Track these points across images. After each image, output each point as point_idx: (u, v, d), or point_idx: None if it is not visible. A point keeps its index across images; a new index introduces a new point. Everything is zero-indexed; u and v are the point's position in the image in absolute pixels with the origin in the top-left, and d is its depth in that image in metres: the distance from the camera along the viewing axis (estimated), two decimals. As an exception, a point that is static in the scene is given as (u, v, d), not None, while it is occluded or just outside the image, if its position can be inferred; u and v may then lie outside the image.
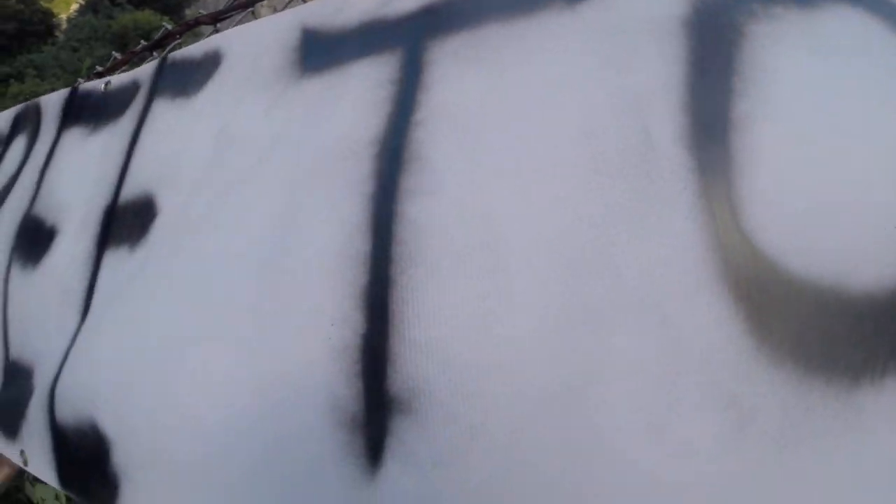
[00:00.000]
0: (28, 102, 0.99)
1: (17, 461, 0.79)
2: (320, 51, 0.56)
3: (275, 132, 0.54)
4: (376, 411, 0.40)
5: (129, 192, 0.68)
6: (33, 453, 0.73)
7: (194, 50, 0.72)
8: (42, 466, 0.71)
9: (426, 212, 0.39)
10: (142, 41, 0.98)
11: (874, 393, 0.38)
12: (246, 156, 0.55)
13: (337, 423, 0.41)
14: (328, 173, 0.45)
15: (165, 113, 0.71)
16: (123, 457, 0.56)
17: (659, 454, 0.37)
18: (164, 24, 1.02)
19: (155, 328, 0.51)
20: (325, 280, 0.42)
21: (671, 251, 0.38)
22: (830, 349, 0.38)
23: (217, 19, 0.86)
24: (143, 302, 0.55)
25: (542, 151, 0.38)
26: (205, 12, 0.97)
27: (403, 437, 0.40)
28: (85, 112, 0.85)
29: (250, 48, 0.63)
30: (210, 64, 0.68)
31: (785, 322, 0.38)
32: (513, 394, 0.38)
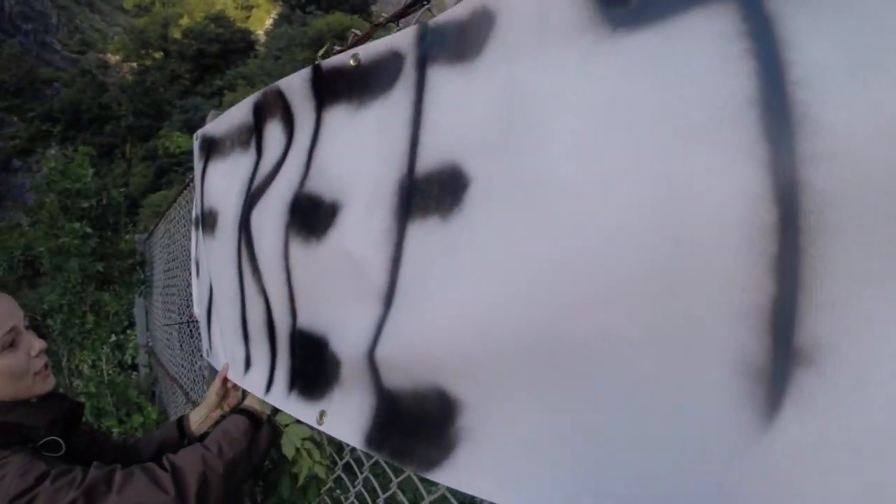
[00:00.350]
0: (263, 90, 1.07)
1: (311, 420, 0.87)
2: (628, 6, 0.55)
3: (601, 89, 0.55)
4: (781, 363, 0.47)
5: (428, 162, 0.72)
6: (340, 414, 0.81)
7: (459, 11, 0.71)
8: (345, 428, 0.78)
9: (830, 179, 0.44)
10: (335, 43, 1.02)
11: None
12: (573, 116, 0.56)
13: (741, 374, 0.48)
14: (711, 136, 0.48)
15: (447, 79, 0.72)
16: (473, 420, 0.63)
17: None
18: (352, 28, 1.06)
19: (516, 301, 0.58)
20: (734, 251, 0.47)
21: None
22: None
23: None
24: (486, 274, 0.61)
25: None
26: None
27: (803, 388, 0.46)
28: (343, 88, 0.89)
29: (531, 5, 0.63)
30: (483, 24, 0.67)
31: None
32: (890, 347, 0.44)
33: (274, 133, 1.08)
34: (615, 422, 0.54)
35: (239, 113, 1.23)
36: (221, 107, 1.63)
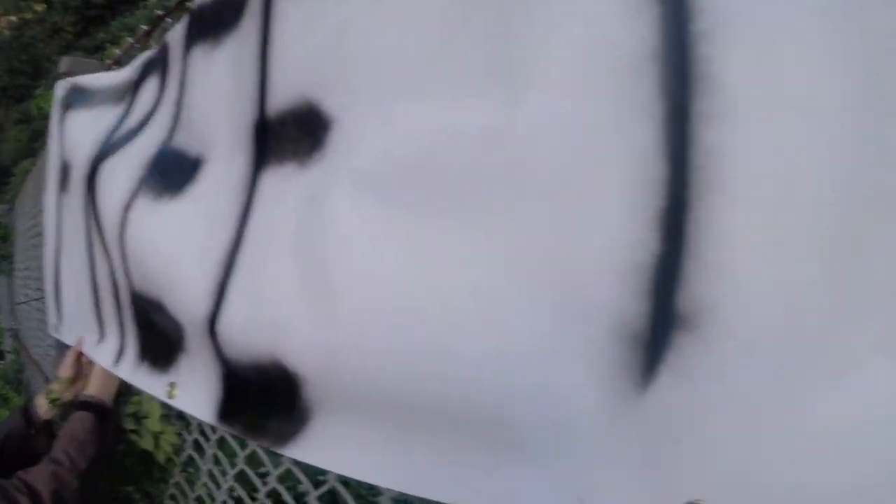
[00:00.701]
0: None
1: (161, 394, 0.74)
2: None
3: (495, 24, 0.48)
4: (662, 327, 0.43)
5: (280, 101, 0.62)
6: (189, 386, 0.69)
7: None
8: (195, 402, 0.67)
9: (722, 138, 0.42)
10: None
11: None
12: (459, 51, 0.49)
13: (618, 339, 0.44)
14: (607, 90, 0.44)
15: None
16: (318, 392, 0.55)
17: None
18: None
19: (394, 255, 0.51)
20: (621, 204, 0.43)
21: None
22: None
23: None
24: (355, 228, 0.54)
25: (826, 91, 0.41)
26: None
27: (684, 351, 0.43)
28: (203, 26, 0.78)
29: None
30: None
31: None
32: (785, 313, 0.42)
33: (150, 86, 0.96)
34: (476, 388, 0.48)
35: (128, 70, 1.09)
36: (103, 60, 1.44)
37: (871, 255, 0.42)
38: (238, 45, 0.70)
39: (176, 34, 0.87)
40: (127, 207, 0.81)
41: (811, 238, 0.42)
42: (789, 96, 0.43)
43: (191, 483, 1.19)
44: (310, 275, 0.56)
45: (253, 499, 0.91)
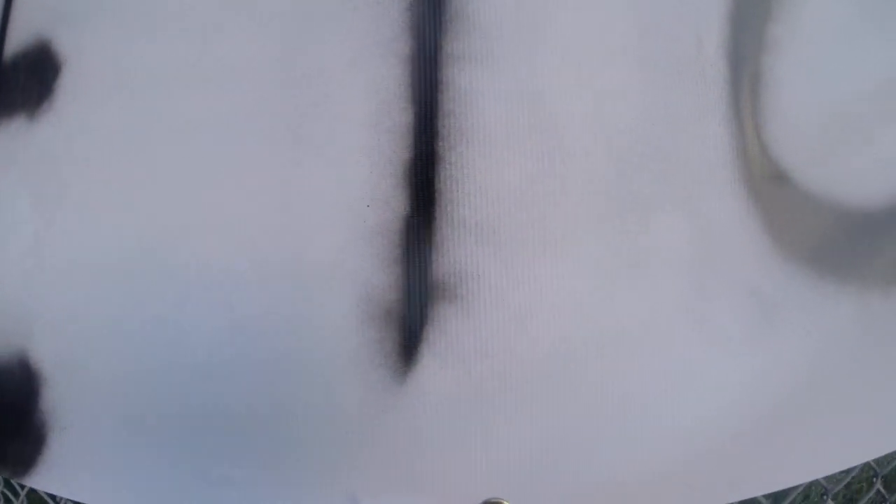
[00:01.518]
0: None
1: None
2: None
3: None
4: (416, 299, 0.36)
5: (16, 43, 0.50)
6: None
7: None
8: None
9: (478, 82, 0.37)
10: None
11: (882, 302, 0.42)
12: None
13: (366, 318, 0.37)
14: (344, 25, 0.38)
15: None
16: (56, 398, 0.45)
17: (695, 336, 0.38)
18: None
19: (120, 221, 0.41)
20: (360, 156, 0.37)
21: (706, 151, 0.39)
22: (836, 255, 0.41)
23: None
24: (85, 189, 0.43)
25: (598, 39, 0.38)
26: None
27: (446, 326, 0.36)
28: None
29: None
30: None
31: (794, 225, 0.40)
32: (564, 278, 0.37)
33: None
34: (220, 384, 0.40)
35: None
36: None
37: (640, 211, 0.38)
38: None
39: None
40: None
41: (578, 192, 0.37)
42: (552, 41, 0.39)
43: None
44: (46, 247, 0.47)
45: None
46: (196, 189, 0.39)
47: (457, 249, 0.36)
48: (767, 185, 0.40)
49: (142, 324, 0.40)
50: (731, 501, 0.41)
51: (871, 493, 0.60)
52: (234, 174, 0.38)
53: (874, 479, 0.62)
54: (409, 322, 0.36)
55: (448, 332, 0.36)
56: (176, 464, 0.40)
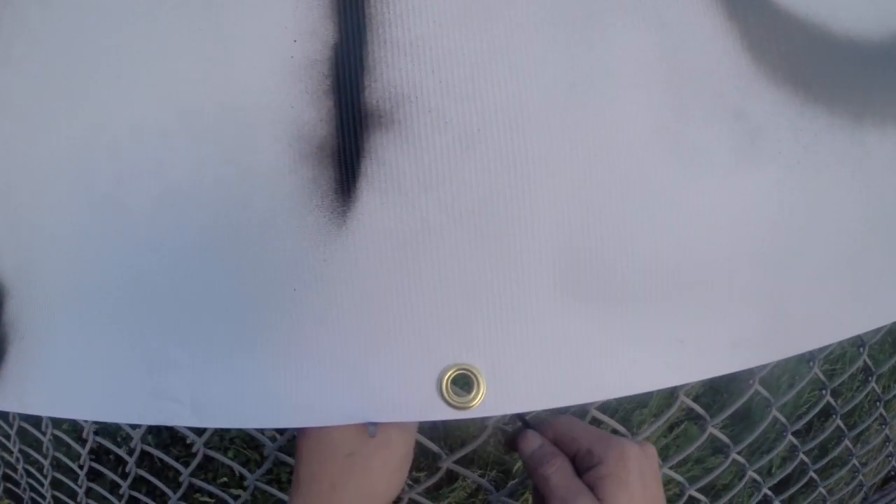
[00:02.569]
0: None
1: None
2: None
3: None
4: (350, 131, 0.33)
5: None
6: None
7: None
8: None
9: None
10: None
11: (878, 136, 0.37)
12: None
13: (299, 158, 0.33)
14: None
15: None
16: (18, 306, 0.41)
17: (672, 161, 0.33)
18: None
19: (61, 117, 0.38)
20: None
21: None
22: (827, 83, 0.37)
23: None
24: (26, 91, 0.41)
25: None
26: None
27: (385, 156, 0.32)
28: None
29: None
30: None
31: (777, 47, 0.36)
32: (512, 93, 0.33)
33: None
34: (164, 257, 0.35)
35: None
36: None
37: (598, 21, 0.34)
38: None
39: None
40: None
41: (522, 8, 0.34)
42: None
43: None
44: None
45: None
46: (120, 51, 0.37)
47: (390, 71, 0.32)
48: (743, 4, 0.37)
49: (89, 209, 0.37)
50: (733, 369, 0.35)
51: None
52: (156, 25, 0.36)
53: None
54: (345, 156, 0.33)
55: (387, 163, 0.32)
56: (127, 353, 0.36)
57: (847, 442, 0.54)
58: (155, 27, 0.36)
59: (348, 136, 0.32)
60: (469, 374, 0.32)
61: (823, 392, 0.48)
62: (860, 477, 0.59)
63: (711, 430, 0.47)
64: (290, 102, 0.33)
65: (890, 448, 0.60)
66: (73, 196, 0.38)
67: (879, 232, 0.39)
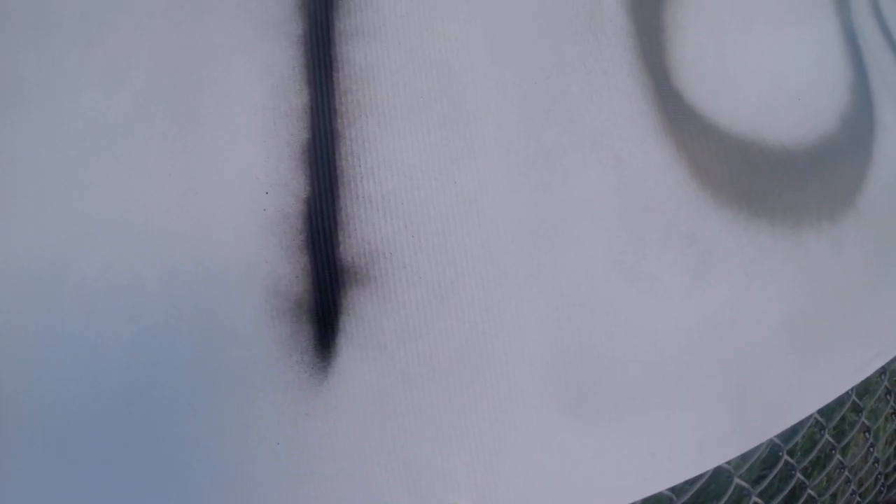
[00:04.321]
0: None
1: None
2: None
3: None
4: (327, 288, 0.33)
5: None
6: None
7: None
8: None
9: (373, 56, 0.34)
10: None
11: (815, 234, 0.40)
12: None
13: (277, 313, 0.33)
14: (234, 9, 0.35)
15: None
16: None
17: (633, 293, 0.35)
18: None
19: (17, 239, 0.37)
20: (255, 142, 0.33)
21: (619, 103, 0.37)
22: (766, 195, 0.39)
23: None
24: None
25: (492, 1, 0.36)
26: None
27: (362, 312, 0.33)
28: None
29: None
30: None
31: (720, 169, 0.38)
32: (482, 244, 0.33)
33: None
34: (134, 405, 0.35)
35: None
36: None
37: (556, 165, 0.35)
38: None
39: None
40: None
41: (487, 153, 0.35)
42: (447, 6, 0.37)
43: None
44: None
45: None
46: (91, 196, 0.36)
47: (364, 227, 0.33)
48: (689, 131, 0.38)
49: (55, 348, 0.36)
50: (702, 470, 0.38)
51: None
52: (128, 175, 0.35)
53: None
54: (323, 312, 0.33)
55: (365, 319, 0.33)
56: (97, 496, 0.36)
57: (810, 491, 0.57)
58: (124, 163, 0.35)
59: (325, 293, 0.32)
60: (456, 516, 0.33)
61: (780, 454, 0.52)
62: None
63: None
64: (265, 257, 0.33)
65: (852, 486, 0.64)
66: (36, 333, 0.37)
67: (823, 318, 0.42)
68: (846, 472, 0.60)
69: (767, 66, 0.40)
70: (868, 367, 0.42)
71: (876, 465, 0.63)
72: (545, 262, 0.33)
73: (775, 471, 0.49)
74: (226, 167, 0.33)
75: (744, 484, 0.46)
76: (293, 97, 0.34)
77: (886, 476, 0.67)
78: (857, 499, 0.63)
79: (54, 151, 0.35)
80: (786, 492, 0.51)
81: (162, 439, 0.34)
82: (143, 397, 0.34)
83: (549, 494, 0.34)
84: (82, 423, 0.35)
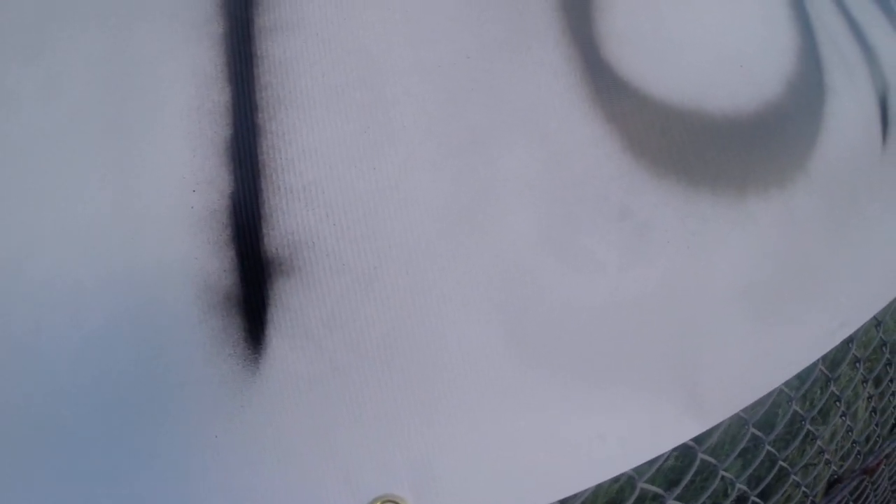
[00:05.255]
0: None
1: None
2: None
3: None
4: (254, 280, 0.33)
5: None
6: None
7: None
8: None
9: (292, 50, 0.34)
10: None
11: (762, 201, 0.38)
12: None
13: (208, 308, 0.33)
14: (161, 13, 0.35)
15: None
16: None
17: (565, 270, 0.34)
18: None
19: None
20: (181, 141, 0.34)
21: (544, 78, 0.36)
22: (707, 165, 0.37)
23: None
24: None
25: None
26: None
27: (289, 303, 0.33)
28: None
29: None
30: None
31: (657, 140, 0.37)
32: (405, 229, 0.33)
33: None
34: (85, 410, 0.35)
35: None
36: None
37: (481, 145, 0.35)
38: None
39: None
40: None
41: (408, 137, 0.34)
42: (355, 3, 0.37)
43: None
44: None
45: None
46: (34, 204, 0.37)
47: (287, 219, 0.32)
48: (620, 104, 0.37)
49: (4, 353, 0.37)
50: (658, 452, 0.36)
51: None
52: (66, 183, 0.36)
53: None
54: (251, 305, 0.33)
55: (292, 309, 0.33)
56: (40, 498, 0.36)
57: (781, 462, 0.56)
58: (62, 171, 0.36)
59: (252, 285, 0.33)
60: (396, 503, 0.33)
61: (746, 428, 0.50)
62: (803, 489, 0.61)
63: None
64: (194, 253, 0.33)
65: (827, 455, 0.62)
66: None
67: (779, 287, 0.40)
68: (818, 444, 0.58)
69: (706, 34, 0.39)
70: (834, 337, 0.40)
71: (850, 433, 0.60)
72: (471, 243, 0.33)
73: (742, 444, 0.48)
74: (155, 169, 0.34)
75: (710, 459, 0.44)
76: (216, 95, 0.34)
77: (861, 444, 0.64)
78: (833, 468, 0.60)
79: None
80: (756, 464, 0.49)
81: (107, 441, 0.35)
82: (88, 400, 0.35)
83: (491, 482, 0.33)
84: (28, 428, 0.36)
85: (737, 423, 0.48)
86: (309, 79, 0.34)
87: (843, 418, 0.59)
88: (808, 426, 0.55)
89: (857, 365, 0.57)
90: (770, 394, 0.41)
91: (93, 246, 0.35)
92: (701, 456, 0.42)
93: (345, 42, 0.34)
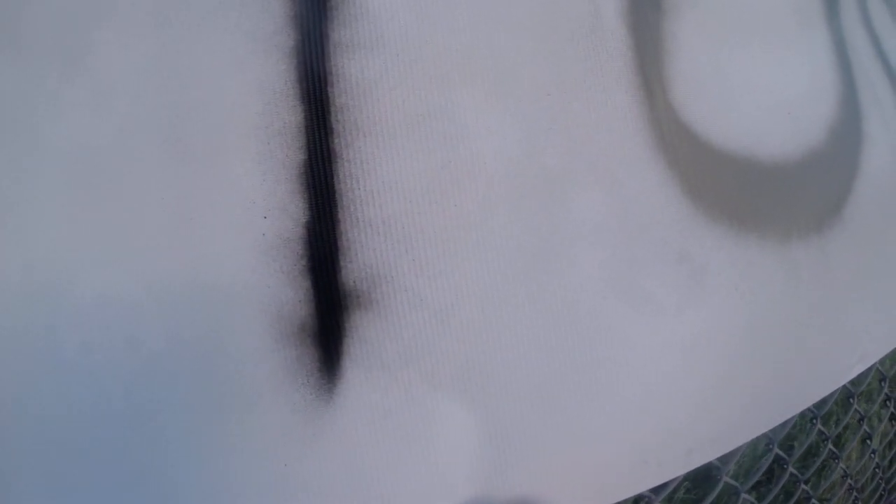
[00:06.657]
0: None
1: None
2: None
3: None
4: (330, 311, 0.32)
5: None
6: None
7: None
8: None
9: (370, 71, 0.33)
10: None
11: (804, 248, 0.40)
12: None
13: (281, 337, 0.32)
14: (221, 23, 0.33)
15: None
16: None
17: (627, 311, 0.35)
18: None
19: (7, 268, 0.36)
20: (248, 164, 0.32)
21: (616, 121, 0.36)
22: (756, 210, 0.39)
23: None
24: None
25: (493, 11, 0.34)
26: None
27: (365, 335, 0.32)
28: None
29: None
30: None
31: (712, 186, 0.38)
32: (482, 268, 0.33)
33: None
34: (144, 435, 0.35)
35: None
36: None
37: (555, 187, 0.35)
38: None
39: None
40: None
41: (487, 174, 0.34)
42: (446, 20, 0.35)
43: None
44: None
45: None
46: (82, 222, 0.34)
47: (365, 252, 0.32)
48: (682, 149, 0.38)
49: (50, 374, 0.35)
50: (688, 470, 0.39)
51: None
52: (119, 201, 0.33)
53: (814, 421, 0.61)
54: (327, 335, 0.32)
55: (368, 341, 0.32)
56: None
57: (803, 485, 0.60)
58: (113, 188, 0.33)
59: (328, 316, 0.32)
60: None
61: (770, 447, 0.53)
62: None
63: None
64: (267, 282, 0.32)
65: (849, 481, 0.67)
66: (33, 362, 0.36)
67: (808, 326, 0.42)
68: (844, 470, 0.62)
69: (760, 81, 0.40)
70: (852, 371, 0.43)
71: (877, 469, 0.65)
72: (542, 283, 0.33)
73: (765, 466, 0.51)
74: (220, 191, 0.32)
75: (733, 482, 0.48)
76: (287, 115, 0.32)
77: (887, 481, 0.70)
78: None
79: (39, 174, 0.33)
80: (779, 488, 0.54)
81: (168, 467, 0.34)
82: (146, 425, 0.34)
83: (553, 501, 0.35)
84: (83, 452, 0.35)
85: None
86: (388, 104, 0.32)
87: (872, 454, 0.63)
88: (829, 445, 0.58)
89: (888, 403, 0.62)
90: (789, 420, 0.44)
91: (150, 268, 0.33)
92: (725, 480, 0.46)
93: (426, 67, 0.33)
